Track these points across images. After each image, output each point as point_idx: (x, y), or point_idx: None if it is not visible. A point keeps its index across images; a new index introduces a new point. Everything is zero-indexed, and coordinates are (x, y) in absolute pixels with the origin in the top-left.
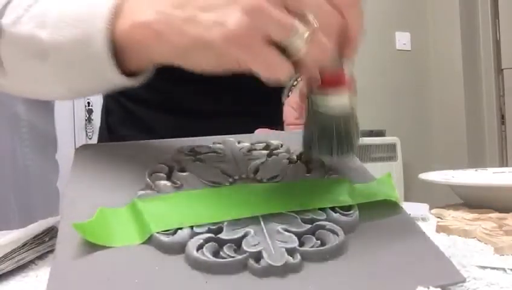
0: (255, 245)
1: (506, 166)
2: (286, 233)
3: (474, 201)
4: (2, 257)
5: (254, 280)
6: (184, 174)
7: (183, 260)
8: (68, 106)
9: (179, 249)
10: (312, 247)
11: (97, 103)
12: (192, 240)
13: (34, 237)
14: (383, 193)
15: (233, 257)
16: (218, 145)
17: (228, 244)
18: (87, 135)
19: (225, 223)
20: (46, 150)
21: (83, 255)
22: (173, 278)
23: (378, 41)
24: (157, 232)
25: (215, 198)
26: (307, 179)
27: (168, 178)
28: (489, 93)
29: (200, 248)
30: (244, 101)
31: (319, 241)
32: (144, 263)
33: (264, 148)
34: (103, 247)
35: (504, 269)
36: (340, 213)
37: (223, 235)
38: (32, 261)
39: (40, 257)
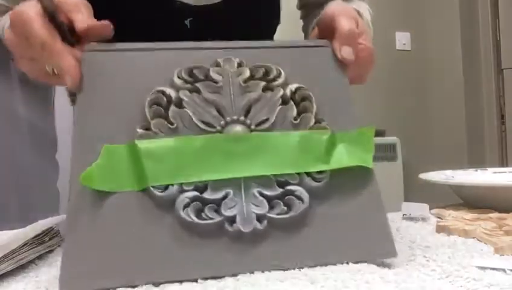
0: (231, 208)
1: (506, 166)
2: (260, 197)
3: (474, 201)
4: (2, 257)
5: (228, 244)
6: (180, 110)
7: (173, 218)
8: (68, 106)
9: (169, 203)
10: (279, 214)
11: None
12: (180, 197)
13: (34, 237)
14: (358, 157)
15: (212, 218)
16: (217, 69)
17: (209, 205)
18: None
19: (210, 182)
20: (46, 150)
21: (93, 201)
22: (164, 236)
23: (378, 41)
24: (152, 187)
25: (205, 157)
26: (291, 131)
27: (166, 110)
28: (489, 93)
29: (186, 206)
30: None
31: (285, 208)
32: (140, 214)
33: (263, 76)
34: (109, 193)
35: (504, 270)
36: (312, 177)
37: (206, 195)
38: (32, 261)
39: (40, 257)
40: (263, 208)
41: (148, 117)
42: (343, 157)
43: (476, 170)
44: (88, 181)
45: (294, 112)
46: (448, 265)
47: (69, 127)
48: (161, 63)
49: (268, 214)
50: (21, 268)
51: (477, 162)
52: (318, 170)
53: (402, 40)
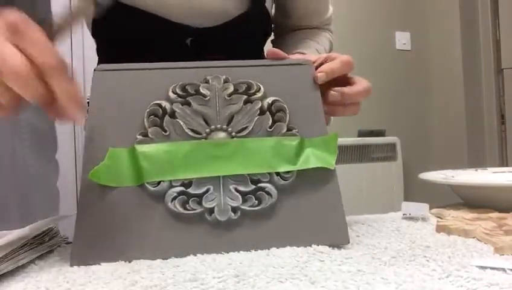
0: (211, 201)
1: (506, 166)
2: (235, 192)
3: (474, 201)
4: (2, 257)
5: (207, 230)
6: (173, 120)
7: (163, 208)
8: None
9: (160, 196)
10: (250, 206)
11: None
12: (169, 192)
13: (34, 237)
14: (322, 160)
15: (195, 209)
16: (206, 85)
17: (193, 198)
18: None
19: (194, 179)
20: (46, 150)
21: (99, 193)
22: (156, 223)
23: (378, 41)
24: (147, 182)
25: (192, 159)
26: (266, 138)
27: (162, 120)
28: (489, 93)
29: (173, 199)
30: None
31: (256, 201)
32: (137, 205)
33: (245, 90)
34: (112, 187)
35: (504, 269)
36: (280, 176)
37: (191, 190)
38: (32, 261)
39: (40, 257)
40: (237, 202)
41: (146, 126)
42: (309, 159)
43: (476, 170)
44: (96, 177)
45: (270, 121)
46: (448, 265)
47: (69, 127)
48: (159, 80)
49: (242, 206)
50: (21, 268)
51: (477, 162)
52: (286, 170)
53: (402, 39)
